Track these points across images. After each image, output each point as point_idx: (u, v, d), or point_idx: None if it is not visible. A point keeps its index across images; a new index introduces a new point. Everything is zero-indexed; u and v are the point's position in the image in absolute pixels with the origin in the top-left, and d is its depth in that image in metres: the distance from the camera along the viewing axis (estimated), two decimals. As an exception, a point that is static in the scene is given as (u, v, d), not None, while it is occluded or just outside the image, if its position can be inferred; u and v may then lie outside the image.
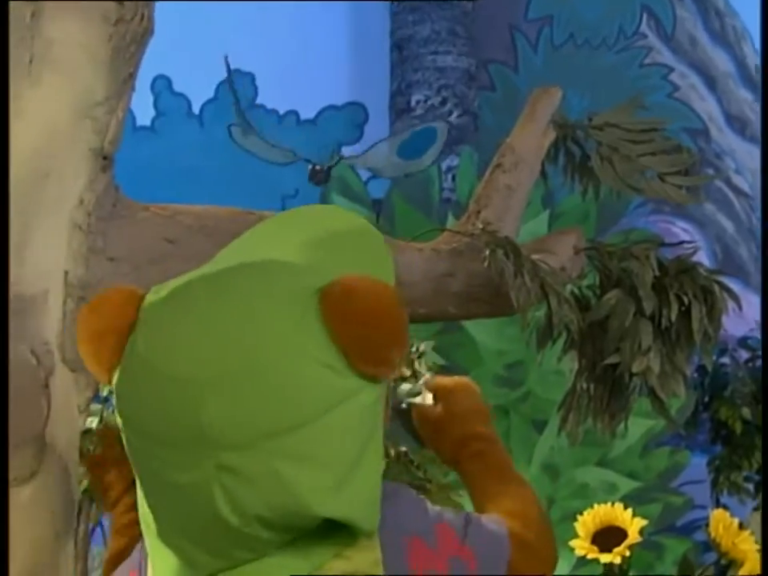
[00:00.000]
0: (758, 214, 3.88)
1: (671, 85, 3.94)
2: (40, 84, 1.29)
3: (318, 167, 3.50)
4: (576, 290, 1.75)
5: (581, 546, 2.18)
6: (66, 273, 1.31)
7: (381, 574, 1.00)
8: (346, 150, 3.60)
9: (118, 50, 1.34)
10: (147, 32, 1.38)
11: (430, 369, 2.46)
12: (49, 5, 1.29)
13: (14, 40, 1.28)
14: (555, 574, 2.94)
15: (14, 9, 1.29)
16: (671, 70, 3.94)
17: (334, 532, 0.96)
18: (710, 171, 3.45)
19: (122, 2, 1.33)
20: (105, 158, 1.36)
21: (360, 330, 0.93)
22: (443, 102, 3.49)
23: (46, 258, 1.30)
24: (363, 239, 1.08)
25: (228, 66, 3.22)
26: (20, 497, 1.24)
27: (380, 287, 0.95)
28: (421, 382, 1.51)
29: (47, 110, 1.30)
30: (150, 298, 0.98)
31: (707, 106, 3.82)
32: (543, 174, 1.85)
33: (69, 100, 1.31)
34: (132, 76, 1.38)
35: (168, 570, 0.97)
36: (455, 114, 3.48)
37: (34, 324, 1.29)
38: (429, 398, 1.51)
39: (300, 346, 0.93)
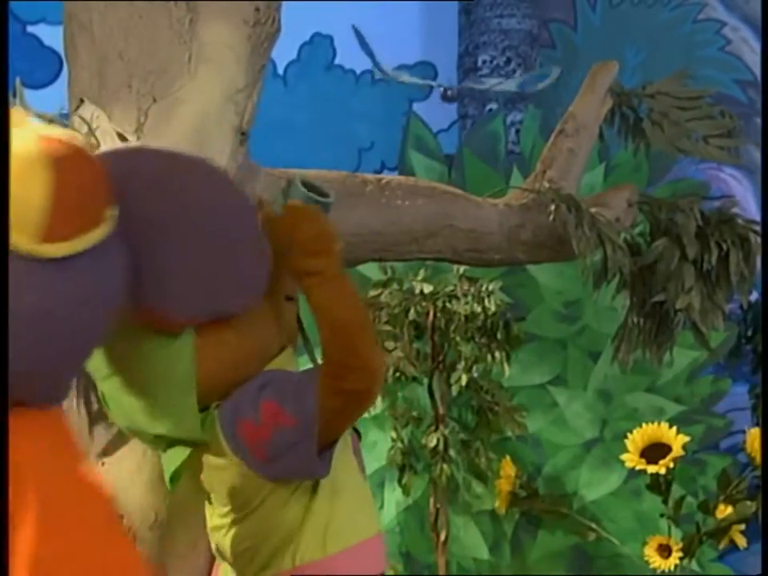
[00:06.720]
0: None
1: (723, 39, 4.10)
2: (196, 76, 1.59)
3: (448, 90, 3.81)
4: (628, 238, 2.01)
5: (630, 459, 2.47)
6: (215, 227, 1.63)
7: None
8: (416, 106, 3.86)
9: (255, 48, 1.63)
10: (277, 31, 1.67)
11: (498, 306, 2.76)
12: (202, 12, 1.59)
13: (176, 41, 1.59)
14: (609, 490, 3.24)
15: (175, 15, 1.59)
16: (724, 24, 4.10)
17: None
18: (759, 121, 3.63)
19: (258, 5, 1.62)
20: (243, 133, 1.66)
21: None
22: (507, 62, 3.74)
23: (200, 216, 1.62)
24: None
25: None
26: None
27: None
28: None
29: (201, 97, 1.59)
30: None
31: (758, 58, 3.97)
32: (601, 136, 2.11)
33: (217, 89, 1.61)
34: (264, 67, 1.68)
35: None
36: (518, 72, 3.73)
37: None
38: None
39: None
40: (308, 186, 1.37)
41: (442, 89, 3.82)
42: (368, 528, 1.37)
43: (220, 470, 1.33)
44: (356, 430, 1.42)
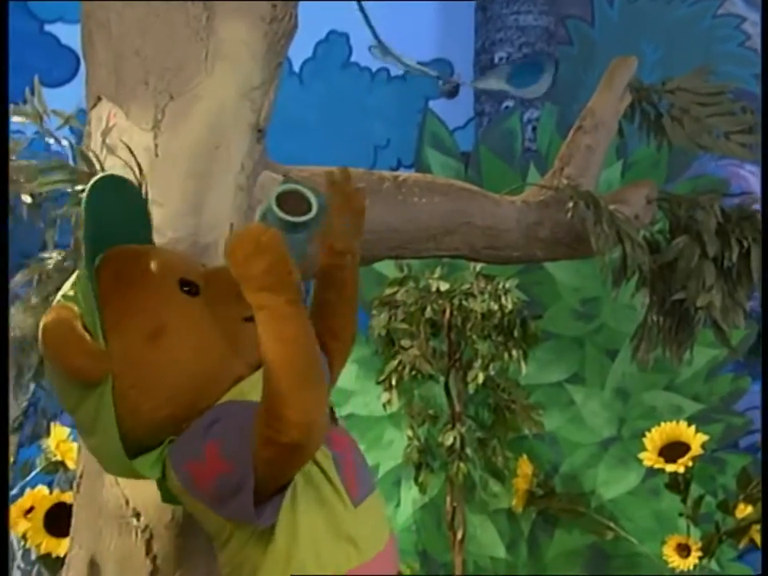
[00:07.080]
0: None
1: (743, 34, 4.08)
2: (213, 74, 1.58)
3: (448, 82, 3.80)
4: (648, 235, 2.00)
5: (648, 457, 2.45)
6: (231, 225, 1.60)
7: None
8: (432, 104, 3.86)
9: (271, 45, 1.63)
10: (293, 28, 1.66)
11: (515, 303, 2.75)
12: (219, 9, 1.59)
13: (193, 39, 1.58)
14: (627, 489, 3.22)
15: (192, 13, 1.58)
16: (743, 19, 4.08)
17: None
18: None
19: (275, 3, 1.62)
20: (259, 131, 1.66)
21: None
22: (524, 59, 3.73)
23: (217, 213, 1.60)
24: None
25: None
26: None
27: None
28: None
29: (218, 94, 1.59)
30: None
31: (779, 54, 3.95)
32: (621, 132, 2.10)
33: (234, 86, 1.60)
34: (281, 65, 1.67)
35: None
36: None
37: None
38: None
39: None
40: (286, 196, 1.28)
41: (441, 83, 3.82)
42: (349, 561, 1.29)
43: (185, 502, 1.33)
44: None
